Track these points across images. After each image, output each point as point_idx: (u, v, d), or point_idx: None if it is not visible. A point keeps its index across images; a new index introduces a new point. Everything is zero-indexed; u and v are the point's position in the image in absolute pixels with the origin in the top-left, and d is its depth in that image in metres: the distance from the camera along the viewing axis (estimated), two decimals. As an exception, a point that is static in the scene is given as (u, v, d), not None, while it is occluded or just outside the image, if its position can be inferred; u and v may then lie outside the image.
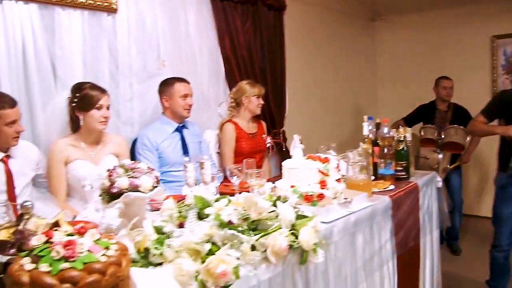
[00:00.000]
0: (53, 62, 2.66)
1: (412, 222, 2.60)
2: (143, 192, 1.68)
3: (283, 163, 2.09)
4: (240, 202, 1.55)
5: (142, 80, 3.11)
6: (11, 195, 2.12)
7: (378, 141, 2.67)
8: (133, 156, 2.87)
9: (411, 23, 5.56)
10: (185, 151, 2.89)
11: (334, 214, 1.91)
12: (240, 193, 2.21)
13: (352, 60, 5.40)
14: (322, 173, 1.96)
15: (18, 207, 2.09)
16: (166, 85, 2.91)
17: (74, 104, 2.39)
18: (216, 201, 1.52)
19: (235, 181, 2.26)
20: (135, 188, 1.68)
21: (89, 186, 2.01)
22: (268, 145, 3.28)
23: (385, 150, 2.61)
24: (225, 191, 2.37)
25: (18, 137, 2.18)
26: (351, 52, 5.38)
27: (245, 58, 3.74)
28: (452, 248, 4.38)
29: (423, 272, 2.74)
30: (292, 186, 1.96)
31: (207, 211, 1.47)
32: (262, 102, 3.28)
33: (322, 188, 1.94)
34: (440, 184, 2.98)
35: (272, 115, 4.01)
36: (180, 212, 1.47)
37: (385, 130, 2.67)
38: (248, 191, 2.19)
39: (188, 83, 2.95)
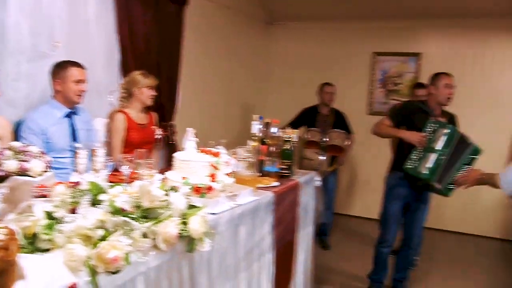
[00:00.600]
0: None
1: (291, 218, 2.84)
2: (32, 177, 1.67)
3: (175, 154, 2.17)
4: (133, 191, 1.62)
5: (31, 59, 2.96)
6: None
7: (266, 140, 2.87)
8: (16, 140, 2.75)
9: (305, 30, 5.98)
10: (74, 138, 2.83)
11: (221, 206, 2.04)
12: (129, 183, 2.30)
13: (248, 60, 5.65)
14: (213, 166, 2.09)
15: None
16: (59, 68, 2.82)
17: None
18: (111, 187, 1.57)
19: (125, 170, 2.29)
20: (23, 172, 1.66)
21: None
22: (157, 137, 3.31)
23: (272, 149, 2.82)
24: (115, 180, 2.37)
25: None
26: (248, 52, 5.63)
27: (142, 48, 3.73)
28: (323, 244, 4.82)
29: (297, 263, 3.01)
30: (183, 178, 2.05)
31: (101, 197, 1.52)
32: (154, 93, 3.30)
33: (212, 181, 2.06)
34: (318, 183, 3.29)
35: (163, 107, 4.04)
36: (73, 197, 1.50)
37: (274, 130, 2.88)
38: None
39: (84, 68, 2.88)
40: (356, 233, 5.39)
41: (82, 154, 2.07)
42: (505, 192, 2.55)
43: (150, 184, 1.59)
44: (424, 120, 3.21)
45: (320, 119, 4.69)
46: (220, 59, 5.04)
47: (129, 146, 3.16)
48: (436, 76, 3.31)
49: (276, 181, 2.72)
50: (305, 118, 4.73)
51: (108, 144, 3.24)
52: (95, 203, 1.54)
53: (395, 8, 5.22)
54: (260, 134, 2.92)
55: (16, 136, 2.74)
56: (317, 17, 5.71)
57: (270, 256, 2.57)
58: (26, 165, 1.66)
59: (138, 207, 1.57)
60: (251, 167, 2.42)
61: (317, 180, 3.28)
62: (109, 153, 3.17)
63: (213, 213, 1.96)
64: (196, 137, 2.18)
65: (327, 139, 4.42)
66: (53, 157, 2.64)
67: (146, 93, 3.26)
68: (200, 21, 4.58)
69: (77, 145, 2.12)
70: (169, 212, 1.58)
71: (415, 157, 3.19)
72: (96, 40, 3.42)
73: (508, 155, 5.16)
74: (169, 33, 4.01)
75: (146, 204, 1.58)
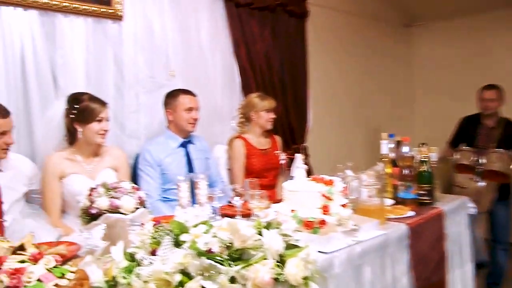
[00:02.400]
0: (53, 71, 2.71)
1: (437, 254, 2.47)
2: (124, 214, 1.68)
3: (284, 184, 2.04)
4: (223, 229, 1.50)
5: (149, 91, 3.13)
6: (-2, 211, 2.14)
7: (398, 162, 2.58)
8: (135, 172, 2.89)
9: (452, 28, 5.40)
10: (190, 168, 2.89)
11: (336, 243, 1.83)
12: (242, 216, 2.22)
13: (384, 70, 5.28)
14: (325, 197, 1.89)
15: (6, 224, 2.14)
16: (170, 97, 2.92)
17: (72, 116, 2.42)
18: (194, 226, 1.47)
19: (237, 202, 2.22)
20: (115, 209, 1.68)
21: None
22: (282, 162, 3.22)
23: (405, 172, 2.51)
24: (227, 212, 2.34)
25: (7, 149, 2.21)
26: (383, 60, 5.26)
27: (262, 68, 3.72)
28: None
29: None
30: (292, 211, 1.90)
31: (183, 237, 1.42)
32: (273, 116, 3.25)
33: (324, 214, 1.87)
34: (473, 210, 2.83)
35: (293, 129, 3.97)
36: (154, 237, 1.43)
37: (405, 149, 2.57)
38: (250, 214, 2.18)
39: (194, 95, 2.95)
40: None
41: (183, 187, 2.04)
42: None
43: (239, 221, 1.45)
44: None
45: (482, 132, 3.78)
46: (350, 70, 4.79)
47: (251, 173, 3.15)
48: None
49: (412, 210, 2.39)
50: (465, 130, 3.92)
51: (231, 172, 3.26)
52: (179, 243, 1.45)
53: None
54: (391, 155, 2.63)
55: (135, 168, 2.89)
56: (465, 10, 5.10)
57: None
58: (116, 202, 1.68)
59: (227, 247, 1.43)
60: (378, 194, 2.16)
61: (471, 207, 2.82)
62: (232, 181, 3.20)
63: (325, 252, 1.75)
64: (306, 162, 2.02)
65: (484, 161, 3.51)
66: (170, 189, 2.75)
67: (264, 116, 3.22)
68: (324, 33, 4.42)
69: (179, 177, 2.09)
70: (261, 254, 1.42)
71: None
72: (212, 64, 3.49)
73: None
74: (290, 49, 3.95)
75: (237, 244, 1.44)
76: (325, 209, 1.88)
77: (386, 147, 2.62)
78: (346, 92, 4.80)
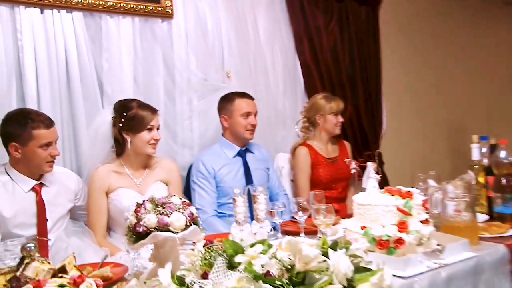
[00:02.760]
0: (99, 77, 2.83)
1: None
2: (173, 232, 1.69)
3: (354, 197, 2.01)
4: (285, 248, 1.48)
5: (203, 95, 3.20)
6: (42, 229, 2.25)
7: (494, 169, 2.46)
8: (188, 184, 2.95)
9: None
10: (249, 179, 2.91)
11: (416, 266, 1.76)
12: (306, 233, 2.20)
13: (477, 57, 5.05)
14: (402, 211, 1.84)
15: (49, 243, 2.23)
16: (225, 102, 2.96)
17: (120, 125, 2.50)
18: (251, 246, 1.46)
19: (301, 217, 2.22)
20: (164, 227, 1.70)
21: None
22: (353, 171, 3.17)
23: (503, 181, 2.38)
24: (289, 229, 2.36)
25: (52, 161, 2.31)
26: (476, 46, 5.03)
27: (329, 64, 3.71)
28: None
29: None
30: (363, 228, 1.87)
31: (237, 259, 1.42)
32: (341, 119, 3.21)
33: (401, 232, 1.81)
34: None
35: (365, 133, 3.92)
36: (205, 259, 1.43)
37: (503, 154, 2.45)
38: (315, 232, 2.16)
39: (252, 98, 2.97)
40: None
41: (240, 201, 2.04)
42: None
43: (300, 240, 1.43)
44: None
45: None
46: (431, 62, 4.65)
47: (318, 185, 3.13)
48: None
49: (513, 228, 2.27)
50: None
51: (294, 184, 3.26)
52: (234, 265, 1.45)
53: None
54: (485, 161, 2.52)
55: (188, 180, 2.95)
56: None
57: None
58: (165, 219, 1.68)
59: (288, 270, 1.41)
60: (468, 208, 2.06)
61: None
62: (296, 194, 3.20)
63: (402, 277, 1.69)
64: (378, 172, 1.97)
65: None
66: (226, 203, 2.78)
67: (331, 120, 3.19)
68: (399, 22, 4.35)
69: (235, 190, 2.11)
70: (326, 278, 1.39)
71: None
72: (272, 63, 3.52)
73: None
74: (361, 42, 3.91)
75: (299, 266, 1.42)
76: (402, 226, 1.82)
77: (477, 151, 2.51)
78: (427, 88, 4.66)
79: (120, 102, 2.57)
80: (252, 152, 3.01)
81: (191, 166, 3.02)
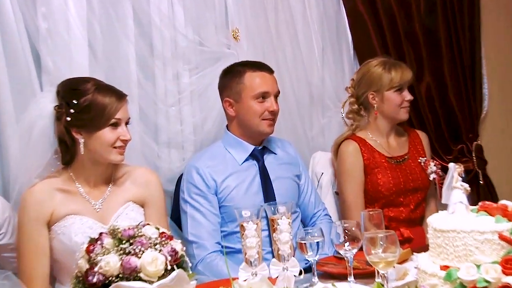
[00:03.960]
0: (34, 44, 2.78)
1: None
2: (146, 281, 1.68)
3: (429, 220, 1.99)
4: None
5: (197, 67, 3.19)
6: None
7: None
8: (178, 205, 2.93)
9: None
10: (269, 194, 2.88)
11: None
12: (356, 276, 2.20)
13: None
14: (508, 241, 1.80)
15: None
16: (229, 77, 2.92)
17: (69, 119, 2.45)
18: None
19: (348, 252, 2.18)
20: (132, 274, 1.69)
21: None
22: (432, 177, 3.11)
23: None
24: (332, 270, 2.36)
25: None
26: None
27: (394, 12, 3.68)
28: None
29: None
30: (444, 268, 1.87)
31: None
32: (409, 97, 3.17)
33: (508, 274, 1.77)
34: None
35: (455, 117, 3.90)
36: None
37: None
38: (372, 273, 2.16)
39: (271, 71, 2.92)
40: None
41: (251, 229, 2.02)
42: None
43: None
44: None
45: None
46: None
47: (376, 199, 3.15)
48: None
49: None
50: None
51: (341, 198, 3.25)
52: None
53: None
54: None
55: (177, 199, 2.94)
56: None
57: None
58: (133, 261, 1.68)
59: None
60: None
61: None
62: (344, 214, 3.20)
63: None
64: (463, 178, 1.92)
65: None
66: (236, 232, 2.75)
67: (392, 99, 3.16)
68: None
69: (244, 212, 2.08)
70: None
71: None
72: (302, 15, 3.51)
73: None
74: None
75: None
76: (510, 265, 1.79)
77: None
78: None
79: (68, 83, 2.53)
80: (273, 153, 2.99)
81: (181, 177, 3.01)
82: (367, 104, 3.21)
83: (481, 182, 3.86)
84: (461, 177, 1.99)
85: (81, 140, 2.43)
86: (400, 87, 3.14)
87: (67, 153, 2.49)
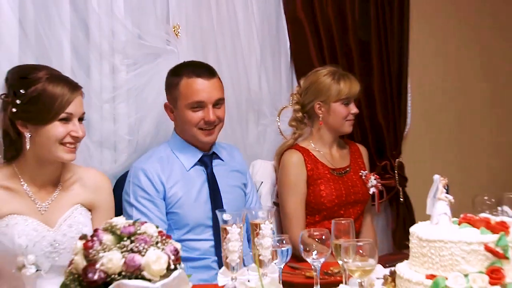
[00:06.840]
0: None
1: None
2: (149, 280, 1.70)
3: (413, 229, 2.02)
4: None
5: (135, 63, 3.16)
6: None
7: None
8: (119, 209, 2.86)
9: None
10: (217, 201, 2.89)
11: None
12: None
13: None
14: (494, 252, 1.86)
15: None
16: (170, 81, 2.93)
17: (14, 110, 2.37)
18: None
19: (315, 261, 2.21)
20: (135, 272, 1.70)
21: (34, 266, 2.03)
22: (371, 190, 3.20)
23: None
24: (293, 279, 2.39)
25: None
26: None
27: (330, 23, 3.73)
28: None
29: None
30: (430, 277, 1.89)
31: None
32: (355, 110, 3.24)
33: (494, 284, 1.83)
34: None
35: (381, 133, 3.96)
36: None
37: None
38: (338, 282, 2.21)
39: (211, 76, 2.88)
40: None
41: (233, 232, 2.01)
42: None
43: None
44: None
45: None
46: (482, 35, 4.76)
47: (319, 210, 3.20)
48: None
49: None
50: None
51: (282, 209, 3.26)
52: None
53: None
54: None
55: (119, 203, 2.89)
56: None
57: None
58: (137, 259, 1.68)
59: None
60: None
61: None
62: (283, 225, 3.24)
63: None
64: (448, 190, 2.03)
65: None
66: (182, 239, 2.77)
67: (339, 111, 3.22)
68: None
69: (225, 215, 2.04)
70: None
71: None
72: (243, 18, 3.52)
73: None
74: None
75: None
76: (496, 275, 1.84)
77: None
78: (475, 68, 4.75)
79: (18, 70, 2.46)
80: (221, 159, 3.00)
81: (120, 178, 3.01)
82: (312, 113, 3.26)
83: (401, 199, 3.92)
84: (445, 188, 2.05)
85: (27, 135, 2.36)
86: (347, 100, 3.21)
87: (11, 148, 2.43)
